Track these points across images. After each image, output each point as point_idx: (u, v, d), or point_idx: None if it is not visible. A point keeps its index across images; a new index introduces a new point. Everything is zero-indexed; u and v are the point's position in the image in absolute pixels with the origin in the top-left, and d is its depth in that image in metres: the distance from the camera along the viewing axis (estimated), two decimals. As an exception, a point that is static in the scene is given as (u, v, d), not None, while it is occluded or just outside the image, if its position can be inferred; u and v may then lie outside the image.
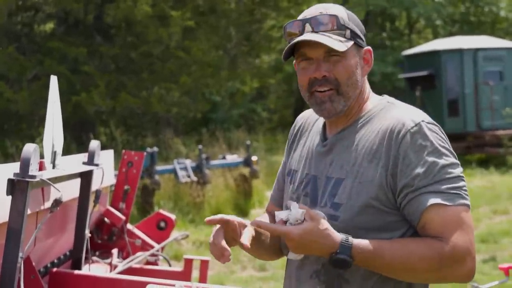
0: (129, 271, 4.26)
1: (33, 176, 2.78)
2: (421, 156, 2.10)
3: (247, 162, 12.97)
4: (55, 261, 3.90)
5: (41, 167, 3.09)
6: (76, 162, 3.79)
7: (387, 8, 26.36)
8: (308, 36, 2.18)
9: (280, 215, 2.10)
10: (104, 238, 4.75)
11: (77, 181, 3.84)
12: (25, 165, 2.77)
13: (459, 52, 19.15)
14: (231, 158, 13.33)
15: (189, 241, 10.11)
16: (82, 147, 13.82)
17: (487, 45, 19.80)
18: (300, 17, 2.25)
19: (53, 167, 3.29)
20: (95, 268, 4.21)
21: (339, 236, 2.06)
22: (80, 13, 16.77)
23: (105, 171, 4.03)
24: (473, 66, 19.00)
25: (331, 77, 2.20)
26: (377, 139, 2.17)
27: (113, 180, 4.83)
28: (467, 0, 28.13)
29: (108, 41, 17.21)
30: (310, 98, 2.24)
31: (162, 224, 5.00)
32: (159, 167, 12.02)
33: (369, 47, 2.29)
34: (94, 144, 3.86)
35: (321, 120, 2.35)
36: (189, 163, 12.35)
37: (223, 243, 2.17)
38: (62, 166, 3.37)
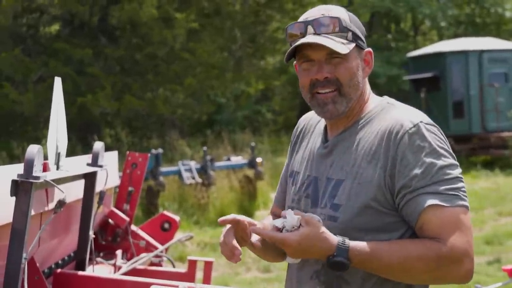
0: (133, 272, 4.27)
1: (37, 177, 2.79)
2: (419, 157, 2.10)
3: (251, 164, 12.97)
4: (59, 262, 3.91)
5: (45, 168, 3.11)
6: (80, 164, 3.80)
7: (392, 10, 26.33)
8: (311, 38, 2.18)
9: (276, 223, 2.10)
10: (108, 239, 4.76)
11: (81, 182, 3.86)
12: (29, 166, 2.78)
13: (464, 53, 19.12)
14: (236, 159, 13.33)
15: (193, 242, 10.12)
16: (87, 148, 13.85)
17: (492, 46, 19.76)
18: (302, 18, 2.25)
19: (57, 168, 3.30)
20: (99, 269, 4.22)
21: (336, 239, 2.07)
22: (85, 15, 16.81)
23: (109, 172, 4.04)
24: (478, 68, 18.96)
25: (333, 79, 2.20)
26: (376, 140, 2.17)
27: (117, 182, 4.84)
28: (472, 2, 28.09)
29: (113, 43, 17.24)
30: (311, 99, 2.25)
31: (166, 226, 5.01)
32: (163, 169, 12.02)
33: (370, 49, 2.29)
34: (98, 145, 3.87)
35: (323, 122, 2.36)
36: (193, 164, 12.35)
37: (234, 242, 2.18)
38: (66, 167, 3.38)
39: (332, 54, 2.19)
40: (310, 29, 2.20)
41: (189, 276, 4.41)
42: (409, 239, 2.12)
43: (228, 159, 13.34)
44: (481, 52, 19.12)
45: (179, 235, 5.27)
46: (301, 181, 2.33)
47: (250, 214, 11.93)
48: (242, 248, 2.27)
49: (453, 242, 2.05)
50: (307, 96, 2.26)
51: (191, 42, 17.25)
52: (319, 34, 2.19)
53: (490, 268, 8.44)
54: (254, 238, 2.29)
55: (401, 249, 2.07)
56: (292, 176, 2.39)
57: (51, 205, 3.28)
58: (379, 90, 18.74)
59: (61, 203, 2.99)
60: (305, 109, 2.44)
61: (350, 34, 2.21)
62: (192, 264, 4.50)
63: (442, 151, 2.13)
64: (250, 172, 12.96)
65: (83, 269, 3.90)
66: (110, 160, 4.37)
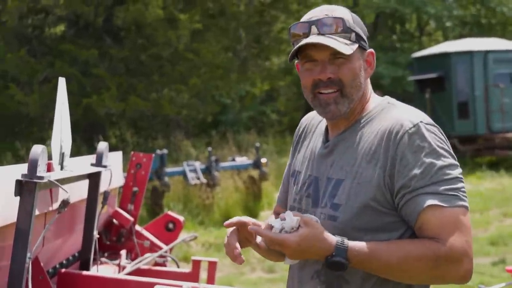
0: (138, 272, 4.27)
1: (41, 177, 2.80)
2: (419, 157, 2.10)
3: (256, 164, 12.98)
4: (64, 262, 3.92)
5: (49, 169, 3.11)
6: (84, 164, 3.81)
7: (397, 10, 26.31)
8: (315, 38, 2.18)
9: (274, 224, 2.09)
10: (113, 239, 4.77)
11: (86, 182, 3.87)
12: (33, 166, 2.79)
13: (469, 54, 19.10)
14: (241, 160, 13.34)
15: (198, 242, 10.13)
16: (92, 149, 13.85)
17: (497, 47, 19.74)
18: (305, 18, 2.25)
19: (61, 168, 3.31)
20: (104, 269, 4.23)
21: (334, 239, 2.07)
22: (90, 15, 16.83)
23: (114, 172, 4.05)
24: (483, 68, 18.94)
25: (336, 79, 2.20)
26: (376, 140, 2.17)
27: (121, 182, 4.85)
28: (477, 2, 28.05)
29: (118, 44, 17.27)
30: (313, 99, 2.25)
31: (171, 226, 5.02)
32: (168, 169, 12.04)
33: (372, 50, 2.29)
34: (102, 145, 3.88)
35: (324, 122, 2.36)
36: (198, 165, 12.37)
37: (236, 244, 2.19)
38: (70, 167, 3.39)
39: (336, 55, 2.19)
40: (314, 29, 2.20)
41: (193, 276, 4.41)
42: (408, 239, 2.12)
43: (233, 160, 13.35)
44: (486, 52, 19.10)
45: (183, 235, 5.28)
46: (302, 180, 2.33)
47: (255, 214, 11.95)
48: (247, 248, 2.28)
49: (452, 242, 2.05)
50: (309, 96, 2.26)
51: (195, 42, 17.27)
52: (323, 35, 2.19)
53: (495, 269, 8.43)
54: (259, 239, 2.30)
55: (400, 249, 2.07)
56: (294, 176, 2.40)
57: (55, 205, 3.29)
58: (383, 91, 18.75)
59: (65, 203, 3.00)
60: (310, 109, 2.45)
61: (353, 34, 2.21)
62: (196, 264, 4.50)
63: (442, 151, 2.13)
64: (255, 173, 12.97)
65: (88, 269, 3.91)
66: (114, 160, 4.38)
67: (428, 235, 2.08)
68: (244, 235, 2.25)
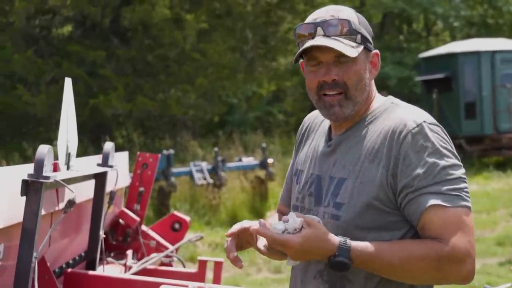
0: (144, 272, 4.28)
1: (47, 177, 2.82)
2: (422, 157, 2.10)
3: (263, 165, 12.99)
4: (70, 261, 3.94)
5: (55, 169, 3.13)
6: (90, 164, 3.83)
7: (405, 10, 26.27)
8: (320, 41, 2.18)
9: (277, 226, 2.09)
10: (119, 239, 4.78)
11: (92, 182, 3.88)
12: (39, 166, 2.81)
13: (477, 54, 19.07)
14: (247, 160, 13.35)
15: (204, 243, 10.14)
16: (99, 149, 13.88)
17: (504, 47, 19.70)
18: (310, 19, 2.24)
19: (67, 168, 3.32)
20: (110, 269, 4.24)
21: (337, 239, 2.07)
22: (97, 16, 16.85)
23: (120, 172, 4.06)
24: (490, 69, 18.91)
25: (340, 81, 2.20)
26: (379, 139, 2.17)
27: (128, 182, 4.86)
28: (485, 2, 28.00)
29: (125, 44, 17.29)
30: (318, 101, 2.25)
31: (177, 226, 5.03)
32: (175, 169, 12.06)
33: (377, 51, 2.29)
34: (109, 146, 3.89)
35: (327, 121, 2.36)
36: (205, 165, 12.38)
37: (234, 249, 2.22)
38: (76, 167, 3.40)
39: (340, 57, 2.18)
40: (319, 30, 2.20)
41: (199, 276, 4.42)
42: (411, 240, 2.13)
43: (240, 160, 13.36)
44: (494, 52, 19.07)
45: (189, 235, 5.29)
46: (305, 179, 2.34)
47: (261, 214, 11.96)
48: (252, 249, 2.29)
49: (454, 242, 2.05)
50: (314, 97, 2.26)
51: (202, 43, 17.28)
52: (328, 36, 2.18)
53: (502, 269, 8.41)
54: (261, 243, 2.31)
55: (402, 249, 2.07)
56: (297, 175, 2.41)
57: (62, 205, 3.30)
58: (389, 91, 18.69)
59: (71, 203, 3.01)
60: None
61: (359, 36, 2.20)
62: (202, 264, 4.51)
63: (445, 151, 2.13)
64: (261, 173, 12.98)
65: (94, 268, 3.93)
66: (120, 161, 4.39)
67: (430, 235, 2.08)
68: (245, 239, 2.28)
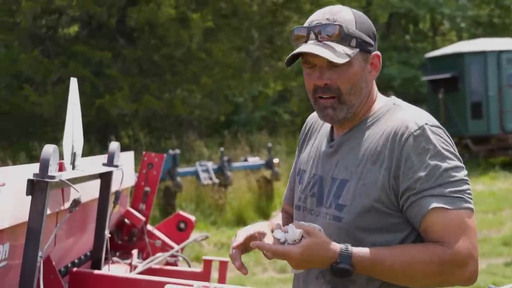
0: (149, 271, 4.29)
1: (52, 177, 2.83)
2: (424, 159, 2.10)
3: (268, 165, 13.00)
4: (76, 261, 3.95)
5: (61, 168, 3.14)
6: (96, 163, 3.84)
7: (412, 10, 26.24)
8: (309, 47, 2.18)
9: (277, 236, 2.10)
10: (124, 239, 4.79)
11: (97, 182, 3.89)
12: (44, 166, 2.82)
13: (483, 54, 19.03)
14: (253, 160, 13.36)
15: (210, 242, 10.15)
16: (105, 149, 13.89)
17: (511, 47, 19.66)
18: (307, 22, 2.25)
19: (73, 168, 3.34)
20: (115, 268, 4.25)
21: (338, 246, 2.08)
22: (103, 16, 16.87)
23: (125, 172, 4.07)
24: (496, 69, 18.87)
25: (333, 86, 2.20)
26: (381, 141, 2.17)
27: (133, 182, 4.87)
28: (492, 2, 27.95)
29: (131, 44, 17.31)
30: (314, 103, 2.27)
31: (182, 225, 5.03)
32: (181, 169, 12.07)
33: (377, 52, 2.27)
34: (114, 145, 3.90)
35: None
36: (211, 165, 12.39)
37: (238, 258, 2.21)
38: (82, 167, 3.42)
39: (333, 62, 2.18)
40: (312, 35, 2.20)
41: (204, 276, 4.43)
42: (412, 244, 2.13)
43: (245, 160, 13.37)
44: (500, 52, 19.03)
45: (195, 235, 5.30)
46: (307, 179, 2.34)
47: (267, 214, 11.97)
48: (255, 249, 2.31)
49: (457, 245, 2.05)
50: (312, 100, 2.28)
51: (208, 42, 17.29)
52: (321, 41, 2.19)
53: (508, 270, 8.40)
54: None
55: (403, 254, 2.08)
56: (299, 174, 2.41)
57: (67, 205, 3.32)
58: (395, 91, 18.67)
59: (76, 203, 3.02)
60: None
61: (354, 40, 2.19)
62: (208, 264, 4.52)
63: (447, 153, 2.12)
64: (267, 173, 12.99)
65: (99, 268, 3.94)
66: (126, 160, 4.40)
67: (433, 237, 2.08)
68: (250, 243, 2.28)
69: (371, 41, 2.24)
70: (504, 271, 8.29)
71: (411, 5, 25.89)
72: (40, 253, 2.85)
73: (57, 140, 16.75)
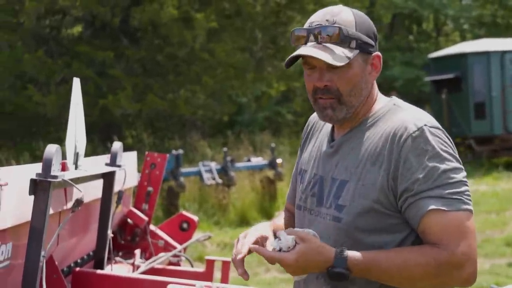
0: (152, 271, 4.30)
1: (55, 177, 2.83)
2: (422, 161, 2.09)
3: (272, 165, 12.99)
4: (78, 260, 3.96)
5: (64, 168, 3.15)
6: (98, 163, 3.84)
7: (416, 10, 26.22)
8: (307, 50, 2.18)
9: (272, 245, 2.11)
10: (127, 238, 4.80)
11: (100, 182, 3.89)
12: (47, 166, 2.82)
13: (486, 54, 19.02)
14: (256, 160, 13.36)
15: (213, 242, 10.15)
16: (108, 149, 13.91)
17: (514, 47, 19.65)
18: (307, 23, 2.25)
19: (76, 168, 3.34)
20: (118, 268, 4.25)
21: (333, 250, 2.08)
22: (107, 16, 16.89)
23: (128, 172, 4.07)
24: (500, 69, 18.85)
25: (333, 87, 2.21)
26: (380, 142, 2.17)
27: (136, 182, 4.88)
28: (495, 2, 27.92)
29: (135, 44, 17.32)
30: (314, 104, 2.28)
31: (185, 225, 5.04)
32: (184, 169, 12.08)
33: (378, 53, 2.27)
34: (117, 145, 3.91)
35: None
36: (214, 165, 12.40)
37: (240, 264, 2.21)
38: (85, 167, 3.42)
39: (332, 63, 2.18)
40: (311, 37, 2.21)
41: (207, 276, 4.43)
42: (408, 247, 2.13)
43: (249, 160, 13.37)
44: (503, 53, 19.01)
45: (198, 235, 5.30)
46: (308, 179, 2.35)
47: (270, 214, 11.96)
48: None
49: (454, 247, 2.05)
50: (311, 100, 2.28)
51: (211, 42, 17.30)
52: (319, 43, 2.19)
53: (511, 270, 8.38)
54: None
55: (399, 256, 2.08)
56: (301, 174, 2.42)
57: (70, 204, 3.32)
58: (398, 92, 18.64)
59: (79, 202, 3.03)
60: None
61: (353, 42, 2.19)
62: (210, 263, 4.52)
63: (445, 154, 2.12)
64: (270, 173, 12.98)
65: (102, 268, 3.94)
66: (129, 160, 4.41)
67: (430, 239, 2.08)
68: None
69: (372, 42, 2.24)
70: (507, 271, 8.27)
71: (415, 5, 25.87)
72: (42, 253, 2.86)
73: (60, 140, 16.74)
